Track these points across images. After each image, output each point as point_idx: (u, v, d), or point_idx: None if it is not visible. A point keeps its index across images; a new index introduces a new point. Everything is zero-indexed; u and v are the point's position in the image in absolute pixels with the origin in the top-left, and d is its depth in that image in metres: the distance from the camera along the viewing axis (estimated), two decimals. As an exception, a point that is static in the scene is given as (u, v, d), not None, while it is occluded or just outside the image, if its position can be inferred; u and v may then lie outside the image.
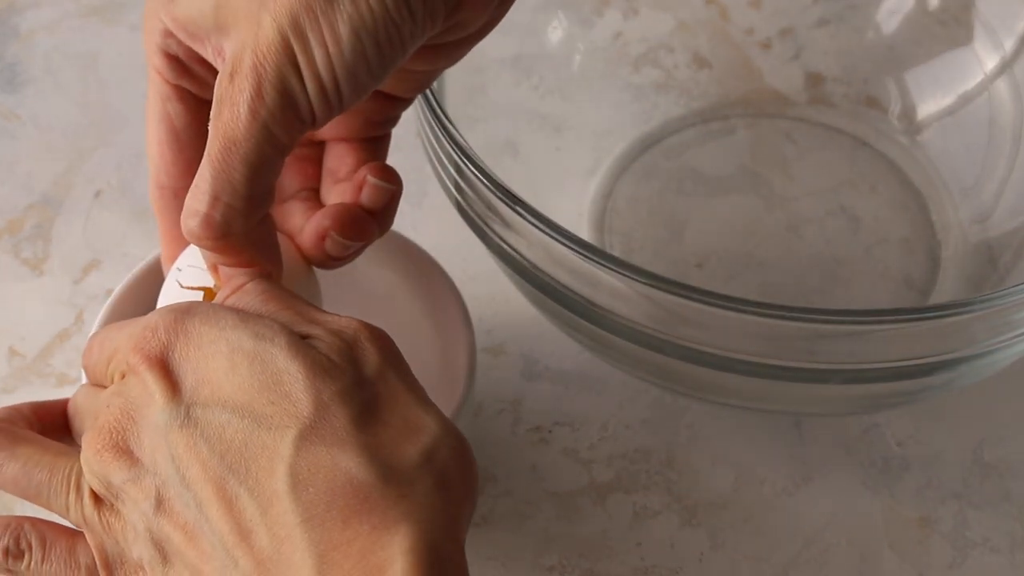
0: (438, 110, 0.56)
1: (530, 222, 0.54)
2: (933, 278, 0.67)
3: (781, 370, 0.55)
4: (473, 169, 0.56)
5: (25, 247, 0.70)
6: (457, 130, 0.56)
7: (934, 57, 0.72)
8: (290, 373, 0.44)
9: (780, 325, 0.53)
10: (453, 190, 0.58)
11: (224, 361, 0.44)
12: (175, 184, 0.51)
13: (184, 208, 0.47)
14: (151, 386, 0.45)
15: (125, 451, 0.45)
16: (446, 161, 0.57)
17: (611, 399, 0.65)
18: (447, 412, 0.56)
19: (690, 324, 0.54)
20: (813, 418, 0.64)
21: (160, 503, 0.44)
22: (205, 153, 0.46)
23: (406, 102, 0.53)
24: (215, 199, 0.46)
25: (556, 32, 0.71)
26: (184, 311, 0.46)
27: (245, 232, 0.47)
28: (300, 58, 0.45)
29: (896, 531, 0.62)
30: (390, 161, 0.68)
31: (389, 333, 0.63)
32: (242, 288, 0.48)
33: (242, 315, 0.46)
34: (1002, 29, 0.70)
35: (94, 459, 0.45)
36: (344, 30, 0.44)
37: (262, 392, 0.44)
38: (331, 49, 0.45)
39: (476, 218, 0.57)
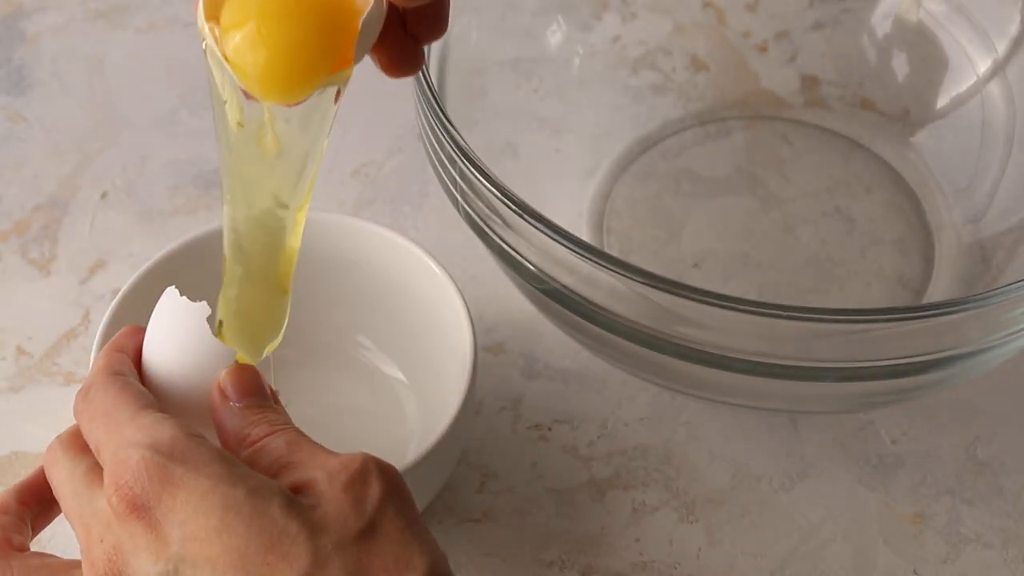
0: (439, 112, 0.56)
1: (530, 223, 0.55)
2: (927, 278, 0.67)
3: (777, 368, 0.55)
4: (473, 170, 0.56)
5: (32, 248, 0.70)
6: (458, 132, 0.56)
7: (928, 60, 0.72)
8: (288, 534, 0.43)
9: (776, 324, 0.53)
10: (454, 191, 0.58)
11: (216, 519, 0.43)
12: None
13: None
14: (138, 538, 0.44)
15: None
16: (447, 162, 0.57)
17: (610, 397, 0.65)
18: (449, 411, 0.57)
19: (688, 323, 0.54)
20: (809, 415, 0.64)
21: None
22: None
23: None
24: None
25: (555, 35, 0.71)
26: (168, 454, 0.45)
27: None
28: None
29: (890, 527, 0.62)
30: (392, 161, 0.69)
31: (390, 333, 0.64)
32: (264, 442, 0.47)
33: (230, 466, 0.45)
34: (994, 32, 0.70)
35: None
36: None
37: (258, 553, 0.43)
38: None
39: (476, 218, 0.57)
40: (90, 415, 0.48)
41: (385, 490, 0.46)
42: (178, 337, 0.50)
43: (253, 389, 0.49)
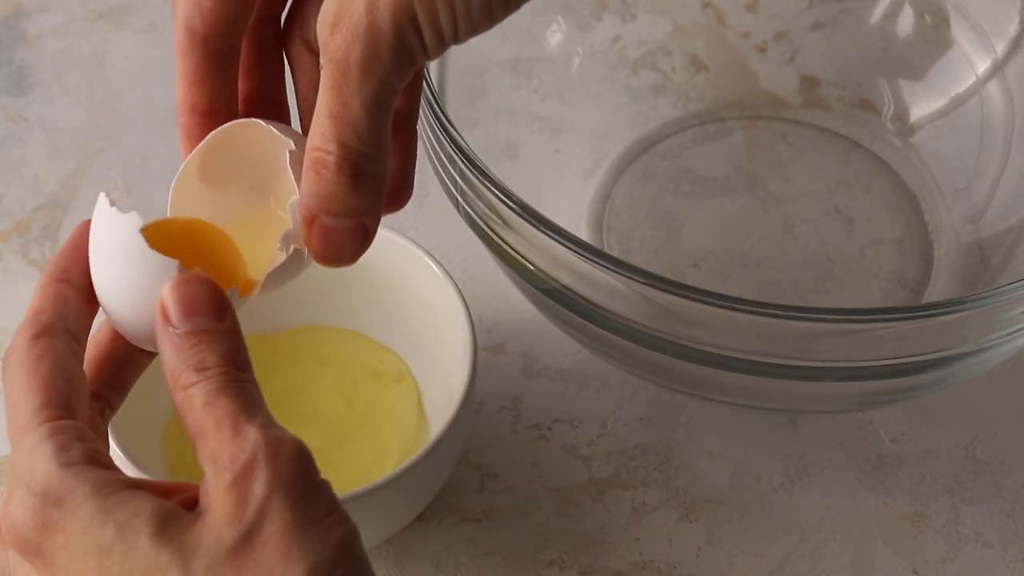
0: (439, 112, 0.57)
1: (530, 223, 0.55)
2: (926, 277, 0.68)
3: (777, 368, 0.55)
4: (474, 171, 0.56)
5: (33, 248, 0.70)
6: (458, 132, 0.57)
7: (927, 60, 0.72)
8: (160, 567, 0.42)
9: (775, 324, 0.53)
10: (454, 191, 0.58)
11: (93, 562, 0.43)
12: (212, 27, 0.48)
13: (307, 157, 0.45)
14: None
15: None
16: (447, 163, 0.57)
17: (610, 397, 0.65)
18: (449, 411, 0.57)
19: (687, 323, 0.54)
20: (808, 415, 0.65)
21: None
22: (319, 101, 0.45)
23: None
24: (340, 144, 0.45)
25: (555, 36, 0.71)
26: (43, 495, 0.44)
27: (374, 174, 0.45)
28: (423, 23, 0.43)
29: (890, 526, 0.62)
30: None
31: (391, 333, 0.64)
32: (189, 392, 0.45)
33: (101, 499, 0.43)
34: (993, 32, 0.70)
35: None
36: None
37: None
38: (459, 15, 0.43)
39: (476, 219, 0.58)
40: (5, 401, 0.47)
41: (271, 482, 0.43)
42: (115, 253, 0.47)
43: (198, 307, 0.45)
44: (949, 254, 0.68)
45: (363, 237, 0.46)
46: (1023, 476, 0.63)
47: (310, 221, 0.46)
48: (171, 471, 0.59)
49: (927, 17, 0.72)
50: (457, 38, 0.44)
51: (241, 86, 0.50)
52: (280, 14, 0.50)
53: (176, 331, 0.45)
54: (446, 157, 0.57)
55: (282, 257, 0.47)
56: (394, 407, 0.63)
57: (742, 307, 0.53)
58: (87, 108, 0.75)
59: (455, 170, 0.57)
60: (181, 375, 0.45)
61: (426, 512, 0.62)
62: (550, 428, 0.65)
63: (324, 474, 0.44)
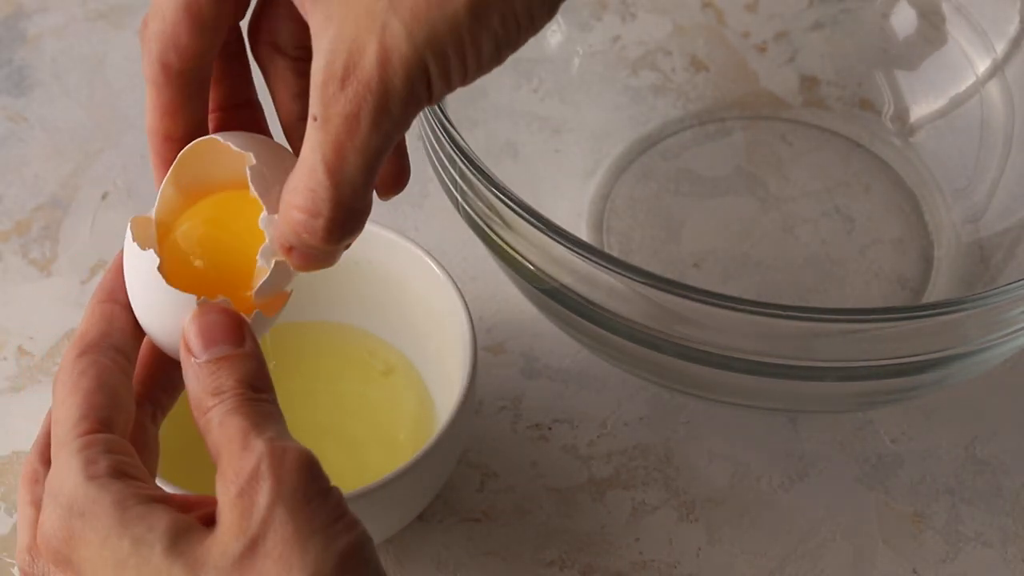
0: (439, 112, 0.57)
1: (530, 223, 0.55)
2: (926, 277, 0.68)
3: (777, 368, 0.55)
4: (473, 170, 0.56)
5: (33, 248, 0.70)
6: (458, 132, 0.57)
7: (927, 60, 0.72)
8: None
9: (776, 324, 0.53)
10: (454, 191, 0.58)
11: (111, 573, 0.44)
12: (188, 62, 0.48)
13: (287, 215, 0.45)
14: None
15: None
16: (447, 162, 0.58)
17: (610, 397, 0.65)
18: (449, 411, 0.57)
19: (687, 323, 0.54)
20: (808, 415, 0.65)
21: None
22: (312, 156, 0.44)
23: None
24: (337, 204, 0.44)
25: (555, 36, 0.71)
26: (69, 507, 0.45)
27: (360, 223, 0.45)
28: (434, 75, 0.43)
29: (890, 526, 0.62)
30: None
31: (391, 333, 0.64)
32: (209, 416, 0.46)
33: (121, 512, 0.44)
34: (993, 32, 0.70)
35: None
36: (488, 47, 0.44)
37: None
38: (470, 64, 0.43)
39: (476, 218, 0.58)
40: (51, 417, 0.48)
41: (274, 492, 0.44)
42: (141, 284, 0.48)
43: (217, 336, 0.47)
44: (949, 254, 0.68)
45: (345, 248, 0.47)
46: (1023, 476, 0.63)
47: (288, 250, 0.46)
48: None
49: (927, 17, 0.72)
50: (466, 82, 0.45)
51: (213, 95, 0.50)
52: (240, 20, 0.50)
53: (197, 360, 0.47)
54: (446, 157, 0.57)
55: (266, 271, 0.47)
56: (382, 400, 0.63)
57: (742, 307, 0.53)
58: (87, 108, 0.75)
59: (455, 170, 0.57)
60: (202, 401, 0.46)
61: (426, 512, 0.62)
62: (550, 428, 0.65)
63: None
